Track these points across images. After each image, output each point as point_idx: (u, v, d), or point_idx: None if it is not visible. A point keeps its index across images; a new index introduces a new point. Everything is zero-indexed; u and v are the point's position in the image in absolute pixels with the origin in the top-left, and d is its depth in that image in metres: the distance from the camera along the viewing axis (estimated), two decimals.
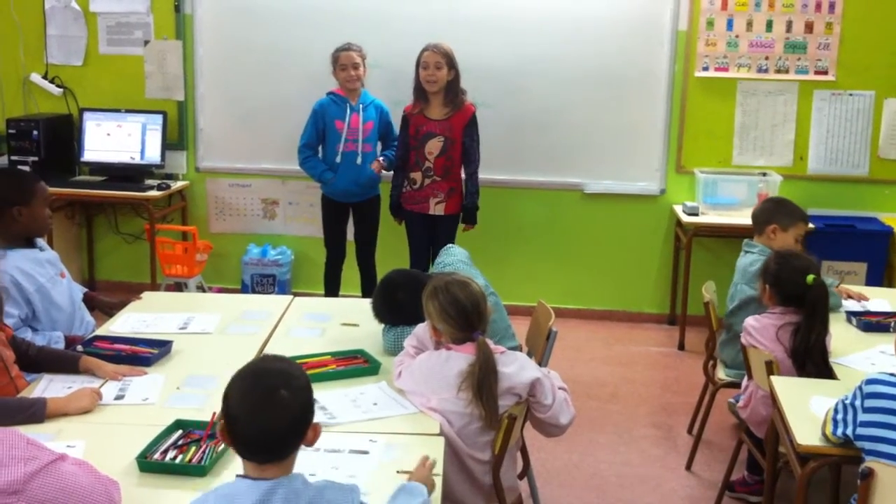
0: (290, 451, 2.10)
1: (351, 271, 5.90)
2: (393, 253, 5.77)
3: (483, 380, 2.88)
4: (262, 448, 2.07)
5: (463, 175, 5.48)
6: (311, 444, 2.14)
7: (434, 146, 5.34)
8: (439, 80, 5.29)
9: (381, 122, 5.63)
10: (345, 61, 5.45)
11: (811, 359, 3.52)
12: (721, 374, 4.37)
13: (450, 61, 5.30)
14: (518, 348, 3.68)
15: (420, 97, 5.38)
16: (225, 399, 2.10)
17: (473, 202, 5.49)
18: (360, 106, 5.51)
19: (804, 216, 4.42)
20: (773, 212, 4.39)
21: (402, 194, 5.51)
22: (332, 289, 5.85)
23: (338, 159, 5.53)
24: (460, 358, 2.95)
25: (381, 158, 5.62)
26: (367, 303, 4.34)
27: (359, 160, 5.52)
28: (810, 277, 3.57)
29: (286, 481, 2.06)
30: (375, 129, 5.59)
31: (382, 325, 3.58)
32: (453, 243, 5.45)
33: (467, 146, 5.38)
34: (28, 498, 2.08)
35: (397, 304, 3.51)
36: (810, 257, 3.77)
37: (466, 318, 2.99)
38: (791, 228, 4.33)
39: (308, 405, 2.12)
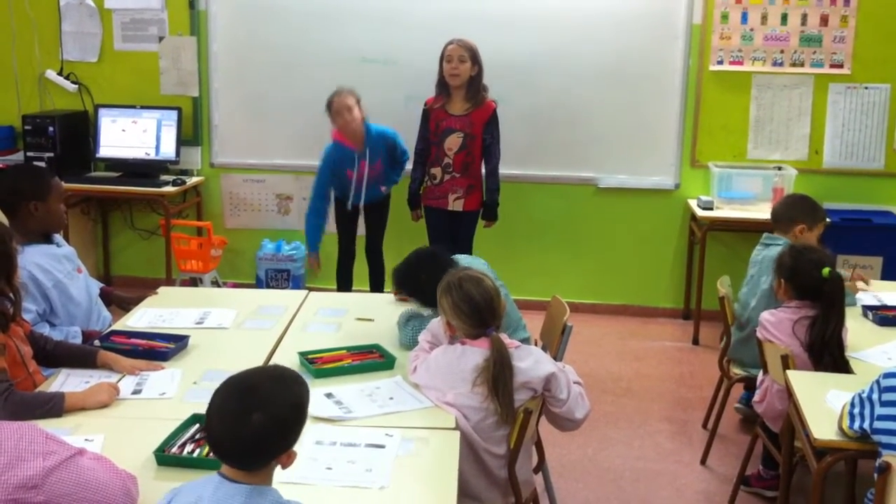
0: (256, 467, 2.06)
1: (363, 266, 5.90)
2: (409, 248, 5.75)
3: (498, 375, 2.89)
4: (226, 456, 2.06)
5: (483, 171, 5.48)
6: (282, 467, 2.10)
7: (453, 142, 5.35)
8: (462, 73, 5.29)
9: (387, 151, 5.53)
10: (338, 107, 5.31)
11: (828, 352, 3.51)
12: (736, 368, 4.36)
13: (473, 56, 5.31)
14: (528, 339, 3.68)
15: (442, 91, 5.39)
16: (212, 397, 2.10)
17: (494, 199, 5.48)
18: (367, 150, 5.39)
19: (825, 215, 4.43)
20: (800, 210, 4.37)
21: (423, 189, 5.51)
22: (343, 285, 5.86)
23: (352, 191, 5.52)
24: (475, 352, 2.96)
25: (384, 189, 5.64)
26: (381, 297, 4.39)
27: (374, 188, 5.56)
28: (826, 270, 3.56)
29: (253, 491, 2.03)
30: (385, 160, 5.53)
31: (398, 320, 3.59)
32: (472, 240, 5.49)
33: (488, 143, 5.38)
34: (47, 492, 2.09)
35: (419, 284, 3.53)
36: (825, 250, 3.75)
37: (480, 315, 2.99)
38: (815, 228, 4.35)
39: (282, 433, 2.07)
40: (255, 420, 2.01)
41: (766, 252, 4.33)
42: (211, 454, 2.56)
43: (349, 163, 5.40)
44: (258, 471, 2.06)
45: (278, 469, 2.11)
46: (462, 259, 3.90)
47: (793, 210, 4.40)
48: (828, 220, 5.58)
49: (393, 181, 5.67)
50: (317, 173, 5.58)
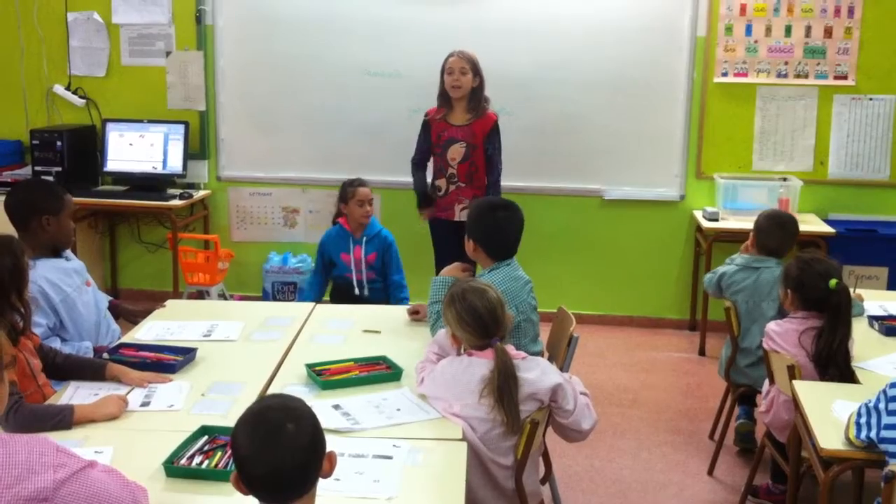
0: (307, 486, 2.04)
1: None
2: (415, 260, 5.78)
3: (503, 385, 2.90)
4: (277, 487, 2.00)
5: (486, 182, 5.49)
6: (327, 475, 2.07)
7: (456, 152, 5.37)
8: (464, 85, 5.32)
9: (382, 253, 5.25)
10: (361, 196, 5.10)
11: (834, 363, 3.51)
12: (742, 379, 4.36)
13: (475, 68, 5.34)
14: (540, 353, 3.69)
15: (444, 103, 5.41)
16: (232, 445, 2.04)
17: None
18: (364, 238, 5.17)
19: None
20: (793, 236, 4.48)
21: (427, 197, 5.53)
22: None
23: (353, 276, 5.21)
24: (482, 364, 2.97)
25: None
26: (388, 309, 4.40)
27: (366, 291, 5.16)
28: (833, 282, 3.56)
29: None
30: (379, 259, 5.25)
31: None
32: None
33: (489, 154, 5.39)
34: None
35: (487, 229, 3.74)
36: (832, 261, 3.76)
37: (484, 326, 3.00)
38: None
39: (316, 435, 2.04)
40: (291, 430, 1.98)
41: (759, 276, 4.33)
42: (228, 466, 2.59)
43: (344, 246, 5.17)
44: (306, 493, 2.04)
45: None
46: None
47: (793, 238, 4.49)
48: (832, 229, 5.66)
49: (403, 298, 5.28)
50: (318, 253, 5.31)
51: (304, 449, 2.00)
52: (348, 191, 5.14)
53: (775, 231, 4.45)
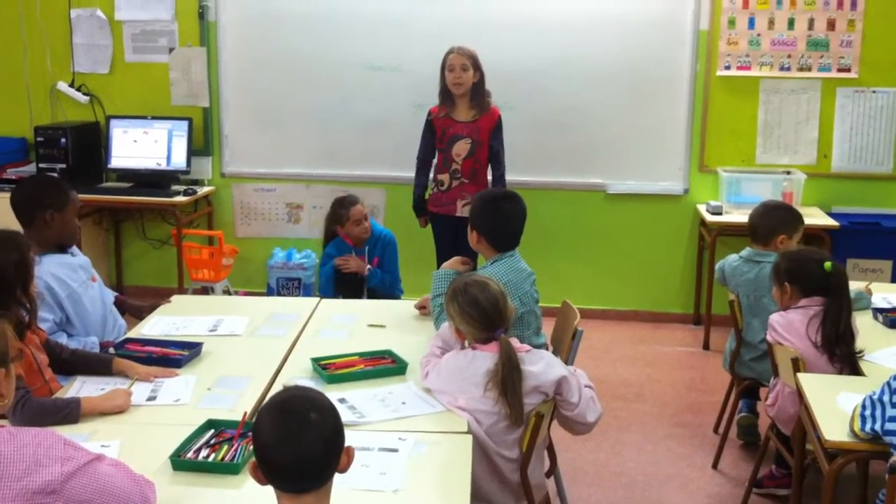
0: (326, 476, 2.03)
1: None
2: (416, 255, 5.79)
3: (507, 378, 2.90)
4: (298, 475, 1.99)
5: (490, 179, 5.48)
6: (344, 469, 2.06)
7: (461, 148, 5.37)
8: (465, 82, 5.32)
9: (385, 254, 5.29)
10: (357, 216, 5.08)
11: (843, 342, 3.52)
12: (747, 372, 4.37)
13: (475, 63, 5.34)
14: (544, 346, 3.70)
15: (446, 100, 5.40)
16: (255, 433, 2.03)
17: None
18: (366, 248, 5.20)
19: (803, 219, 4.45)
20: (780, 220, 4.38)
21: (429, 195, 5.52)
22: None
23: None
24: (486, 357, 2.98)
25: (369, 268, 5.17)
26: (393, 304, 4.41)
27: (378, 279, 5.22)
28: (828, 264, 3.59)
29: None
30: (381, 260, 5.28)
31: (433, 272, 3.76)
32: None
33: (495, 150, 5.40)
34: (65, 498, 2.10)
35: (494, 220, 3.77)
36: (818, 248, 3.78)
37: (487, 319, 3.01)
38: (795, 235, 4.36)
39: (338, 427, 2.05)
40: (315, 419, 1.99)
41: (760, 270, 4.31)
42: (235, 459, 2.60)
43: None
44: (323, 485, 2.03)
45: None
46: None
47: (773, 221, 4.39)
48: (835, 222, 5.65)
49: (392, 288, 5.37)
50: (322, 263, 5.28)
51: (327, 440, 2.00)
52: (341, 213, 5.08)
53: (759, 213, 4.44)
